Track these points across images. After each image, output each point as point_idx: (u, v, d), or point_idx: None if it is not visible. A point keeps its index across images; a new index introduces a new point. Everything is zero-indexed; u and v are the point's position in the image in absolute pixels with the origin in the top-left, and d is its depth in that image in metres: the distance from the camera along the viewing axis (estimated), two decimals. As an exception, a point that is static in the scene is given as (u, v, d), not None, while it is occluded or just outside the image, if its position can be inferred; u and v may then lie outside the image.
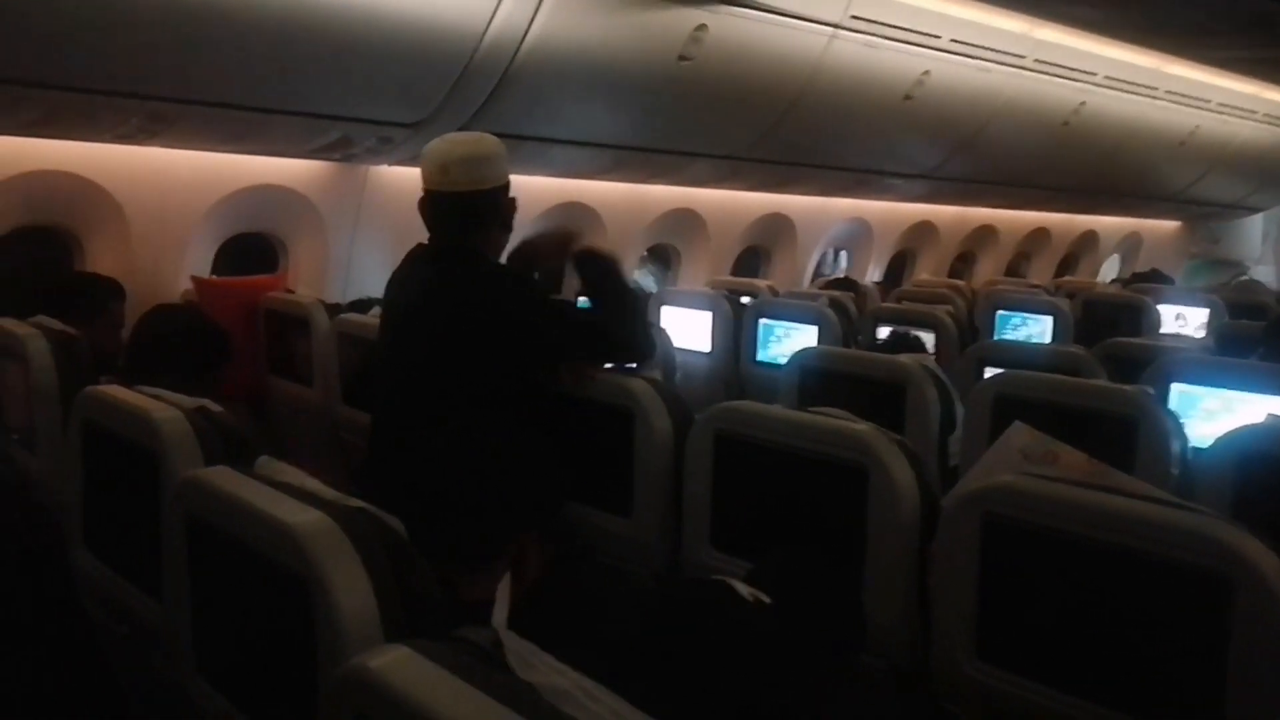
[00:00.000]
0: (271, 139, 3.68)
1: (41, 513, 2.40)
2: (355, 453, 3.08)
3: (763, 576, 0.98)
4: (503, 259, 2.34)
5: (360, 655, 0.92)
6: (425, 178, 2.22)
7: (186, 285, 3.78)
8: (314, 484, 1.31)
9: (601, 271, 2.31)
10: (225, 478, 1.33)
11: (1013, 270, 8.39)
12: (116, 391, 1.77)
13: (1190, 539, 1.30)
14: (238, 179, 3.90)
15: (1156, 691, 1.35)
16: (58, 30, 2.69)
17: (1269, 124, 7.40)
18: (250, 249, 4.30)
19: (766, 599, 0.95)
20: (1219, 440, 1.98)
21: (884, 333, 4.37)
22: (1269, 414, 2.18)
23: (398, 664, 0.89)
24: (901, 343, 3.48)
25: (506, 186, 2.25)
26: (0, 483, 2.73)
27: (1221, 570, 1.26)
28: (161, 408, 1.61)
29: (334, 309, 3.49)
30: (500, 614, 0.99)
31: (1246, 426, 1.97)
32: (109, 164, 3.57)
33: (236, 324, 3.66)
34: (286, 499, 1.23)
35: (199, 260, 3.94)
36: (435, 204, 2.22)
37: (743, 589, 0.94)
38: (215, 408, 1.66)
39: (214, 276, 3.99)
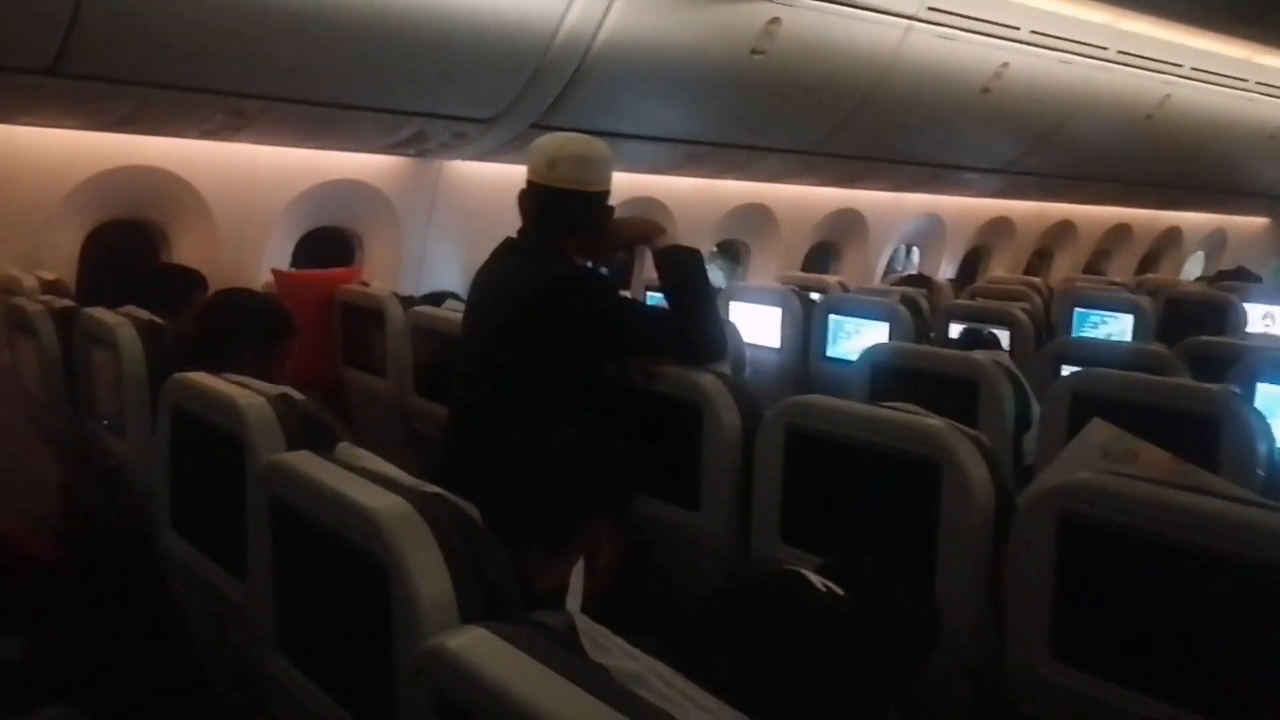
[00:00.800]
0: (350, 134, 3.76)
1: (130, 496, 2.49)
2: (427, 443, 3.13)
3: (835, 569, 0.98)
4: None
5: (439, 635, 0.94)
6: (531, 170, 2.24)
7: (267, 278, 3.87)
8: (393, 470, 1.33)
9: (682, 268, 2.30)
10: (307, 462, 1.36)
11: (1092, 267, 8.21)
12: (203, 378, 1.82)
13: (1276, 540, 1.26)
14: (316, 174, 4.00)
15: (1240, 696, 1.32)
16: (147, 29, 2.79)
17: (1366, 116, 7.12)
18: (327, 243, 4.40)
19: (839, 590, 0.95)
20: (1308, 442, 1.92)
21: (957, 330, 4.31)
22: (1363, 416, 2.11)
23: (475, 644, 0.91)
24: (976, 339, 3.43)
25: (607, 194, 2.25)
26: (91, 468, 2.84)
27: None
28: (246, 394, 1.66)
29: (408, 302, 3.55)
30: (574, 599, 1.00)
31: (1339, 428, 1.90)
32: (194, 159, 3.69)
33: (313, 316, 3.76)
34: (366, 484, 1.26)
35: (278, 253, 4.05)
36: (536, 197, 2.23)
37: (816, 579, 0.94)
38: (296, 395, 1.70)
39: (293, 269, 4.10)
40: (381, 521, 1.16)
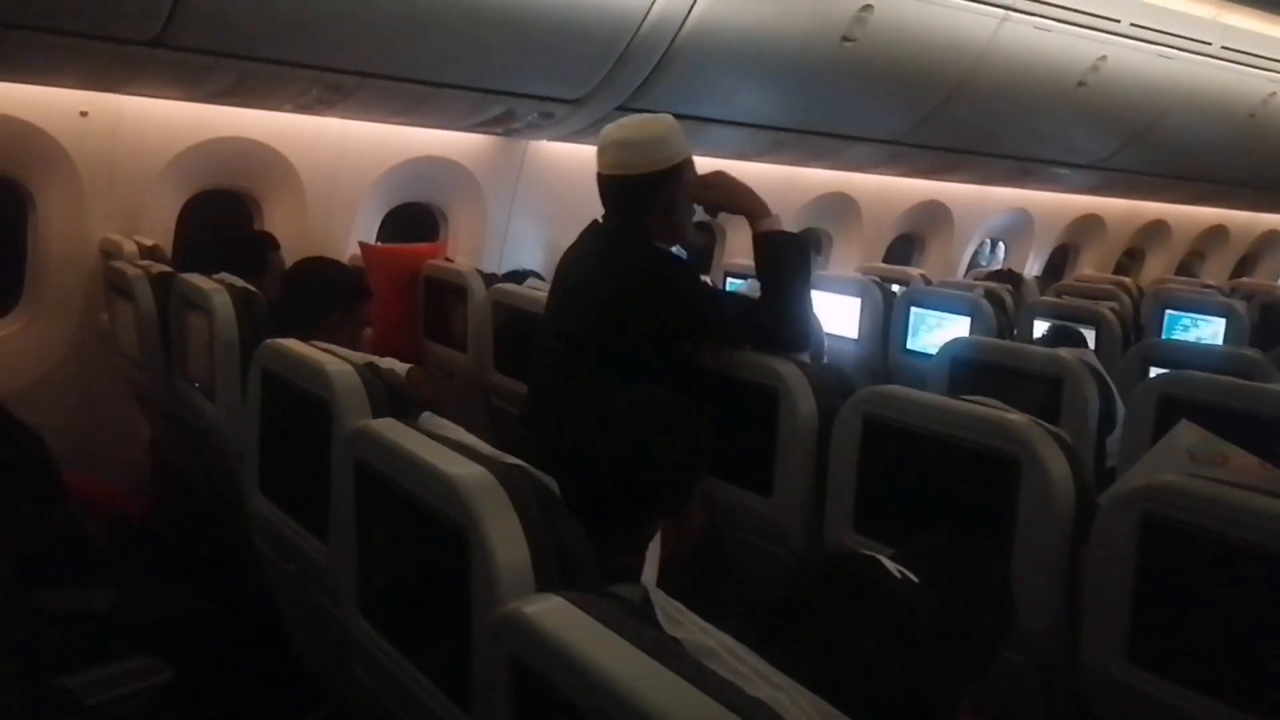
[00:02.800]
0: (439, 112, 3.81)
1: (218, 457, 2.58)
2: (505, 418, 3.18)
3: (910, 557, 0.98)
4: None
5: (516, 601, 0.96)
6: (597, 159, 2.28)
7: (354, 250, 3.96)
8: (474, 440, 1.37)
9: (783, 255, 2.27)
10: (392, 429, 1.40)
11: (1184, 269, 7.97)
12: (293, 344, 1.88)
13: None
14: (406, 150, 4.07)
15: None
16: (248, 4, 2.86)
17: None
18: (414, 218, 4.48)
19: (914, 578, 0.94)
20: None
21: (1041, 328, 4.22)
22: None
23: (551, 611, 0.93)
24: (1062, 336, 3.36)
25: (669, 171, 2.21)
26: (182, 429, 2.94)
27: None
28: (335, 361, 1.71)
29: (490, 279, 3.60)
30: (650, 573, 1.02)
31: None
32: (289, 132, 3.78)
33: (397, 289, 3.84)
34: (449, 452, 1.29)
35: (366, 226, 4.13)
36: (600, 185, 2.27)
37: (891, 566, 0.94)
38: (383, 364, 1.75)
39: (379, 243, 4.18)
40: (463, 489, 1.19)
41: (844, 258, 5.95)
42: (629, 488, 1.36)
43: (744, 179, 2.40)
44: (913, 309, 4.25)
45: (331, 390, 1.64)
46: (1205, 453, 1.51)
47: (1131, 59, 4.77)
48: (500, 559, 1.14)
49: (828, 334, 4.16)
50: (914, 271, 5.45)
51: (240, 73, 3.17)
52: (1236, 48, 5.05)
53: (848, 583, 0.92)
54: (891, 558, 1.00)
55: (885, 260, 6.08)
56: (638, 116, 2.26)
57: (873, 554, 0.97)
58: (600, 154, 2.24)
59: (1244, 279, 7.70)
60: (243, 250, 3.35)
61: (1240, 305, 4.77)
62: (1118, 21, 4.50)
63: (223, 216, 3.99)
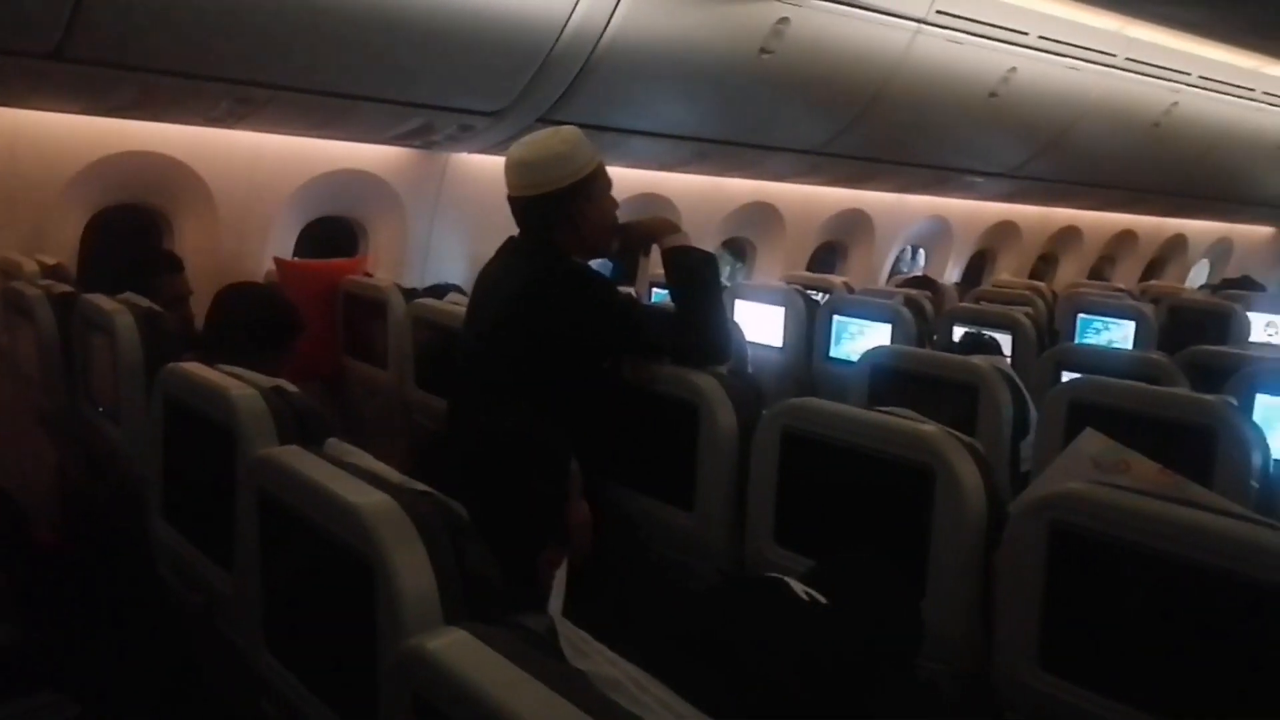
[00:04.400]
0: (356, 125, 3.76)
1: (124, 483, 2.49)
2: (427, 435, 3.14)
3: (820, 576, 0.97)
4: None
5: (419, 636, 0.94)
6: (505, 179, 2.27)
7: (269, 266, 3.87)
8: (380, 466, 1.33)
9: (691, 269, 2.28)
10: (296, 457, 1.36)
11: (1097, 273, 8.19)
12: (196, 369, 1.82)
13: (1265, 556, 1.26)
14: (322, 163, 4.00)
15: (1223, 708, 1.31)
16: (152, 14, 2.79)
17: (1375, 127, 7.10)
18: (332, 232, 4.40)
19: (822, 599, 0.94)
20: (1304, 456, 1.91)
21: (960, 333, 4.30)
22: (1360, 431, 2.10)
23: (454, 646, 0.91)
24: (976, 344, 3.42)
25: (576, 186, 2.19)
26: (87, 454, 2.84)
27: (1299, 590, 1.22)
28: (239, 386, 1.66)
29: (410, 294, 3.55)
30: (556, 602, 1.00)
31: (1334, 443, 1.90)
32: (199, 146, 3.69)
33: (316, 305, 3.76)
34: (354, 480, 1.26)
35: (282, 242, 4.05)
36: (510, 205, 2.26)
37: (798, 587, 0.94)
38: (290, 388, 1.70)
39: (296, 258, 4.10)
40: (367, 518, 1.16)
41: (768, 267, 6.00)
42: (502, 517, 1.34)
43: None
44: (835, 317, 4.29)
45: (235, 416, 1.60)
46: (1108, 460, 1.54)
47: (1040, 70, 4.90)
48: (405, 590, 1.11)
49: (752, 343, 4.19)
50: (836, 279, 5.51)
51: (145, 86, 3.09)
52: (1140, 59, 5.21)
53: (752, 609, 0.92)
54: (801, 578, 0.99)
55: (810, 268, 6.15)
56: (541, 133, 2.24)
57: (779, 577, 0.96)
58: (506, 174, 2.22)
59: (1153, 281, 7.94)
60: (136, 271, 3.21)
61: (1149, 308, 4.91)
62: (1026, 34, 4.62)
63: (131, 234, 3.87)
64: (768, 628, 0.90)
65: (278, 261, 3.86)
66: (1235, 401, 2.43)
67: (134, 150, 3.57)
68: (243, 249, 3.88)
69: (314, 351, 3.70)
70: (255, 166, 3.85)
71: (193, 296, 3.26)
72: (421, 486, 1.27)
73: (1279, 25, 4.78)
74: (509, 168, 2.24)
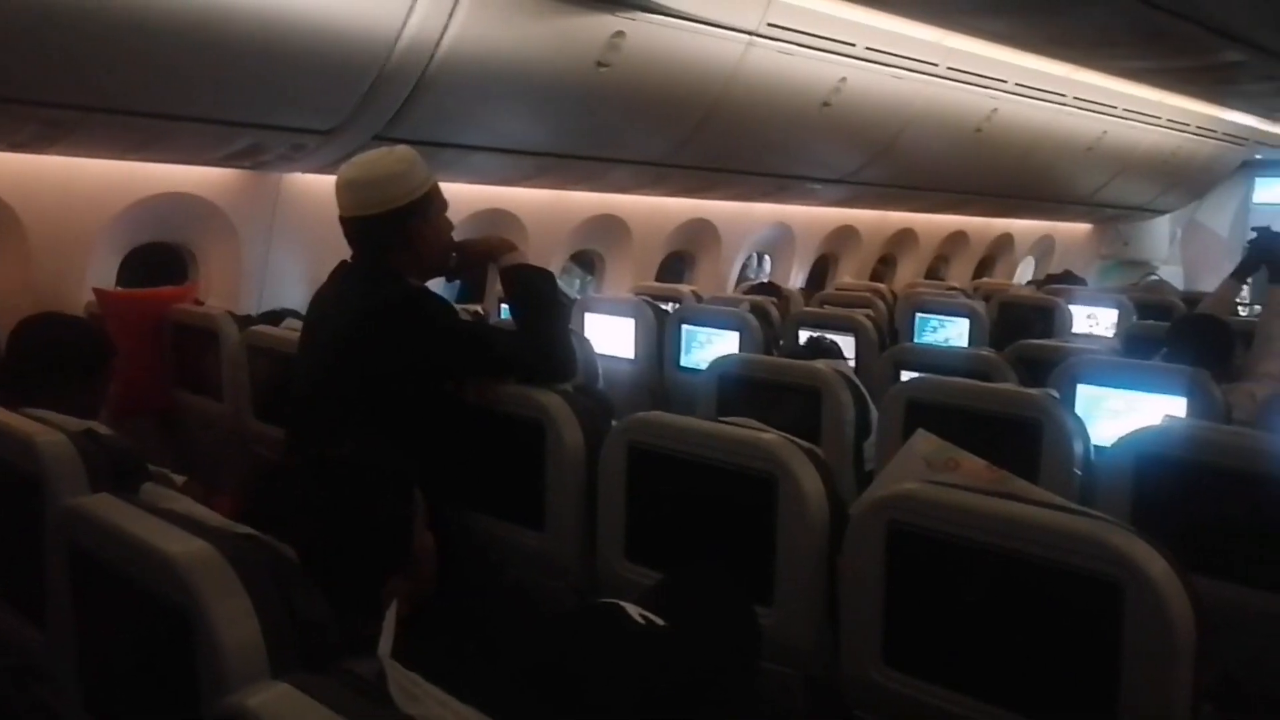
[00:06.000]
0: (178, 147, 3.58)
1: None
2: (264, 466, 3.01)
3: (658, 596, 0.97)
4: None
5: (239, 693, 0.89)
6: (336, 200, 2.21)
7: (89, 298, 3.65)
8: (201, 511, 1.26)
9: (529, 287, 2.27)
10: (108, 506, 1.28)
11: (933, 272, 8.54)
12: None
13: (1080, 543, 1.32)
14: (144, 187, 3.80)
15: (1055, 693, 1.37)
16: (-57, 35, 2.59)
17: (1173, 129, 7.64)
18: (160, 260, 4.19)
19: (659, 621, 0.94)
20: (1116, 443, 2.02)
21: (806, 337, 4.41)
22: (1165, 415, 2.24)
23: (275, 701, 0.86)
24: (818, 348, 3.51)
25: (411, 207, 2.15)
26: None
27: (1111, 574, 1.28)
28: (45, 431, 1.55)
29: (245, 321, 3.41)
30: (385, 644, 0.96)
31: (1142, 429, 2.01)
32: (4, 173, 3.45)
33: (141, 337, 3.58)
34: (169, 528, 1.19)
35: (102, 272, 3.82)
36: (342, 227, 2.21)
37: (633, 611, 0.93)
38: (103, 430, 1.60)
39: (118, 288, 3.88)
40: (183, 568, 1.10)
41: (618, 278, 6.02)
42: (343, 550, 1.29)
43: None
44: (684, 326, 4.34)
45: (40, 464, 1.49)
46: (939, 459, 1.59)
47: (869, 80, 5.07)
48: (227, 643, 1.05)
49: (605, 355, 4.19)
50: (685, 289, 5.57)
51: (-64, 110, 2.87)
52: (960, 68, 5.47)
53: (587, 640, 0.90)
54: (639, 599, 0.98)
55: (661, 278, 6.20)
56: (373, 152, 2.20)
57: (614, 603, 0.95)
58: (337, 195, 2.17)
59: (985, 279, 8.34)
60: None
61: (980, 305, 5.15)
62: (854, 45, 4.78)
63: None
64: (603, 658, 0.89)
65: (98, 292, 3.64)
66: (1057, 393, 2.56)
67: (-71, 178, 3.32)
68: (59, 281, 3.64)
69: (141, 385, 3.52)
70: (69, 191, 3.63)
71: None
72: (245, 530, 1.21)
73: (1081, 36, 5.09)
74: (340, 188, 2.18)
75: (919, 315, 5.10)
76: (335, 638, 1.15)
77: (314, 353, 2.26)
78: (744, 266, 7.21)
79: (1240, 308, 5.88)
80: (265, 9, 3.03)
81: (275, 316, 3.44)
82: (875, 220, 7.56)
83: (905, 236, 7.96)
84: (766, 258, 7.54)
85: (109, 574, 1.23)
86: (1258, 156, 9.22)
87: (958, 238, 8.50)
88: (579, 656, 0.90)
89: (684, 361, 4.33)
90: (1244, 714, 1.59)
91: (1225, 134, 8.27)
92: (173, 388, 3.64)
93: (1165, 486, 1.92)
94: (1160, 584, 1.26)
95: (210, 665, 1.07)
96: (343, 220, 2.19)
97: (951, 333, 4.99)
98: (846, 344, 4.15)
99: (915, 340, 4.97)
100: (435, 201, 2.22)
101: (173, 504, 1.28)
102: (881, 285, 6.51)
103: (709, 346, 4.20)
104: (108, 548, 1.23)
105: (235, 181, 4.06)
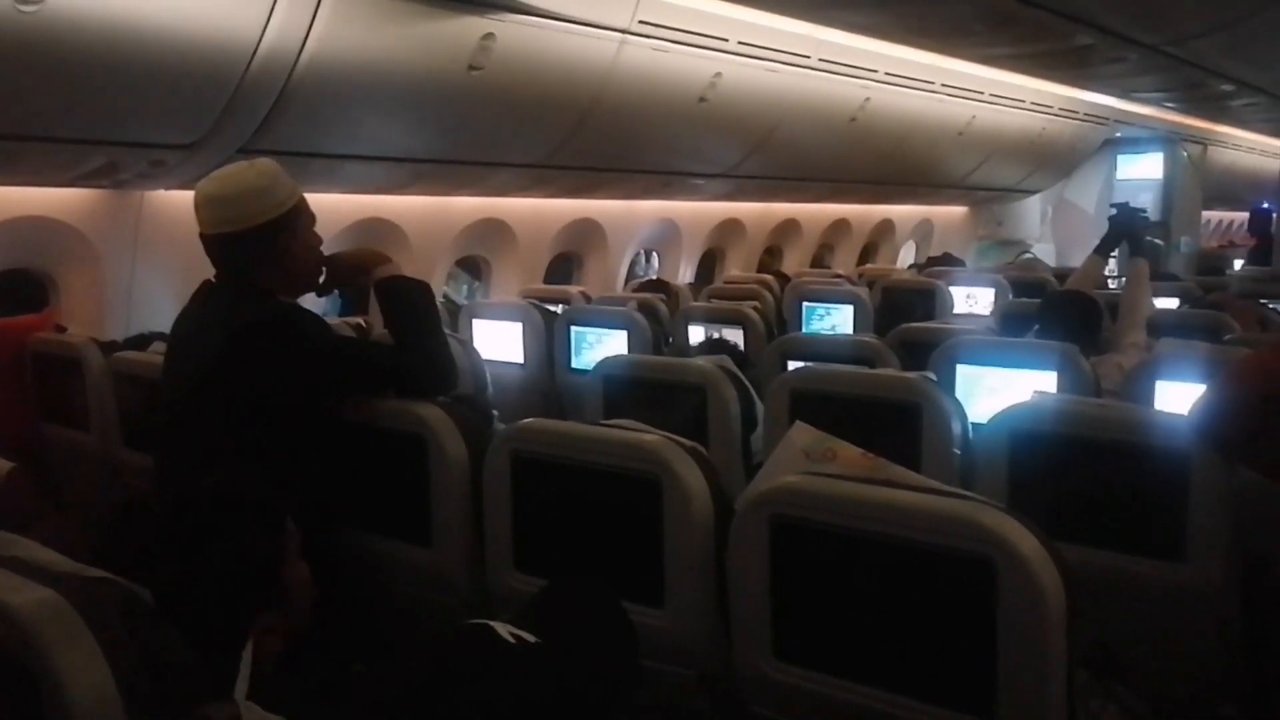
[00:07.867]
0: (26, 168, 3.42)
1: None
2: (128, 498, 2.88)
3: (528, 614, 0.95)
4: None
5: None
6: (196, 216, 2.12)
7: (-62, 331, 3.45)
8: (50, 556, 1.19)
9: (403, 300, 2.22)
10: (-59, 557, 1.19)
11: (818, 261, 8.68)
12: None
13: (953, 525, 1.34)
14: (-9, 213, 3.60)
15: (939, 673, 1.39)
16: None
17: (1037, 111, 7.93)
18: (15, 287, 3.98)
19: (529, 637, 0.91)
20: (990, 420, 2.07)
21: (696, 332, 4.43)
22: (1035, 390, 2.31)
23: (122, 757, 0.81)
24: (716, 346, 3.52)
25: (277, 222, 2.08)
26: None
27: (983, 552, 1.31)
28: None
29: (110, 346, 3.26)
30: (242, 685, 0.92)
31: (1012, 406, 2.07)
32: None
33: (1, 369, 3.39)
34: (12, 577, 1.11)
35: (-47, 303, 3.62)
36: (204, 244, 2.12)
37: (503, 630, 0.91)
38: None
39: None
40: (26, 620, 1.03)
41: (505, 283, 5.96)
42: (210, 584, 1.24)
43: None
44: (572, 328, 4.31)
45: None
46: (817, 450, 1.60)
47: (743, 74, 5.13)
48: (74, 694, 0.99)
49: (494, 361, 4.13)
50: (574, 290, 5.54)
51: None
52: (832, 59, 5.57)
53: (457, 663, 0.88)
54: (512, 616, 0.96)
55: (550, 281, 6.16)
56: (234, 166, 2.11)
57: (484, 623, 0.93)
58: (196, 211, 2.08)
59: (868, 265, 8.53)
60: None
61: (864, 292, 5.24)
62: (726, 40, 4.82)
63: None
64: (472, 680, 0.86)
65: (-52, 325, 3.45)
66: (935, 376, 2.62)
67: None
68: (-97, 315, 3.44)
69: (2, 420, 3.34)
70: (-91, 222, 3.43)
71: None
72: (97, 573, 1.15)
73: (940, 25, 5.24)
74: (200, 204, 2.09)
75: (805, 304, 5.17)
76: (195, 679, 1.09)
77: (180, 378, 2.16)
78: (633, 264, 7.21)
79: (1110, 280, 6.13)
80: (112, 21, 2.90)
81: (143, 340, 3.30)
82: (760, 212, 7.65)
83: (789, 227, 8.08)
84: (655, 254, 7.56)
85: (-53, 632, 1.15)
86: (1118, 135, 9.62)
87: (841, 226, 8.66)
88: (447, 680, 0.87)
89: (575, 363, 4.29)
90: (1118, 679, 1.65)
91: (1087, 114, 8.62)
92: (37, 421, 3.46)
93: (1038, 460, 1.97)
94: (1030, 559, 1.29)
95: (59, 721, 1.00)
96: (204, 238, 2.10)
97: (837, 320, 5.07)
98: (735, 337, 4.19)
99: (803, 329, 5.04)
100: (303, 216, 2.15)
101: (19, 550, 1.20)
102: (768, 276, 6.56)
103: (598, 347, 4.18)
104: (-57, 604, 1.15)
105: (94, 202, 3.89)
